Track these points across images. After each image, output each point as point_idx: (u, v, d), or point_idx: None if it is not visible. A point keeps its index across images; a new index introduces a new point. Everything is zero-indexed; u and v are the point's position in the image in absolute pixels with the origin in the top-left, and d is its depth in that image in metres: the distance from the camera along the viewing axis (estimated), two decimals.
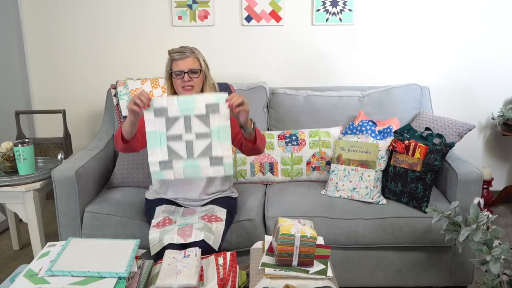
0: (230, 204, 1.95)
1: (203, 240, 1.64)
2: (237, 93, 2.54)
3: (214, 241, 1.67)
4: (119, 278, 1.29)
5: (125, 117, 2.42)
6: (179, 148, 1.66)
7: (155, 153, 1.66)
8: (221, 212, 1.84)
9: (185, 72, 1.82)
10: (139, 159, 2.31)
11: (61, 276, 1.29)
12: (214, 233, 1.69)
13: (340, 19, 2.82)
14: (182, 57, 1.83)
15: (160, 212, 1.84)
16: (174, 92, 1.92)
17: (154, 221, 1.77)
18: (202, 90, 1.91)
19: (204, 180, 1.91)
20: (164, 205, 1.89)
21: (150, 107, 1.64)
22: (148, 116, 1.65)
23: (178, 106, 1.64)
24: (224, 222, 1.78)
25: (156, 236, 1.67)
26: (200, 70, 1.86)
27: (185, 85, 1.83)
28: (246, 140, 1.82)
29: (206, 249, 1.60)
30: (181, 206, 1.94)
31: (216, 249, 1.67)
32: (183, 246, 1.61)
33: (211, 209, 1.86)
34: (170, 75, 1.88)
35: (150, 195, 2.00)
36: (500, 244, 1.58)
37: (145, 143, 1.72)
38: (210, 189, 1.95)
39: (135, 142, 1.83)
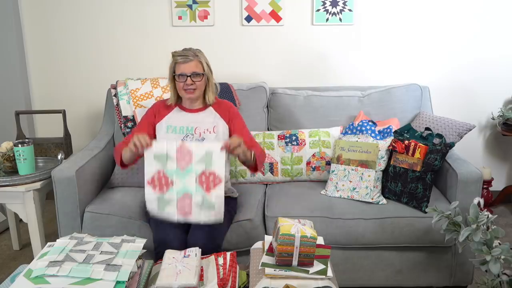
0: (230, 204, 1.95)
1: (203, 241, 1.63)
2: (238, 93, 2.57)
3: (216, 215, 1.70)
4: None
5: (124, 117, 2.42)
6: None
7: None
8: (220, 169, 1.73)
9: (188, 75, 1.88)
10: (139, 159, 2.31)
11: (61, 276, 1.29)
12: (214, 205, 1.70)
13: (340, 19, 2.82)
14: (185, 61, 1.87)
15: (152, 159, 1.75)
16: (177, 93, 1.97)
17: (148, 175, 1.74)
18: (204, 93, 1.99)
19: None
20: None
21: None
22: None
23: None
24: (223, 182, 1.72)
25: (154, 199, 1.72)
26: (203, 74, 1.92)
27: (188, 88, 1.90)
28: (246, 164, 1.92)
29: (206, 248, 1.60)
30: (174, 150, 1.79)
31: (222, 220, 1.70)
32: (183, 241, 1.63)
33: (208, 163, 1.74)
34: (174, 77, 1.94)
35: None
36: (500, 244, 1.58)
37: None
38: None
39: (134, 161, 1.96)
